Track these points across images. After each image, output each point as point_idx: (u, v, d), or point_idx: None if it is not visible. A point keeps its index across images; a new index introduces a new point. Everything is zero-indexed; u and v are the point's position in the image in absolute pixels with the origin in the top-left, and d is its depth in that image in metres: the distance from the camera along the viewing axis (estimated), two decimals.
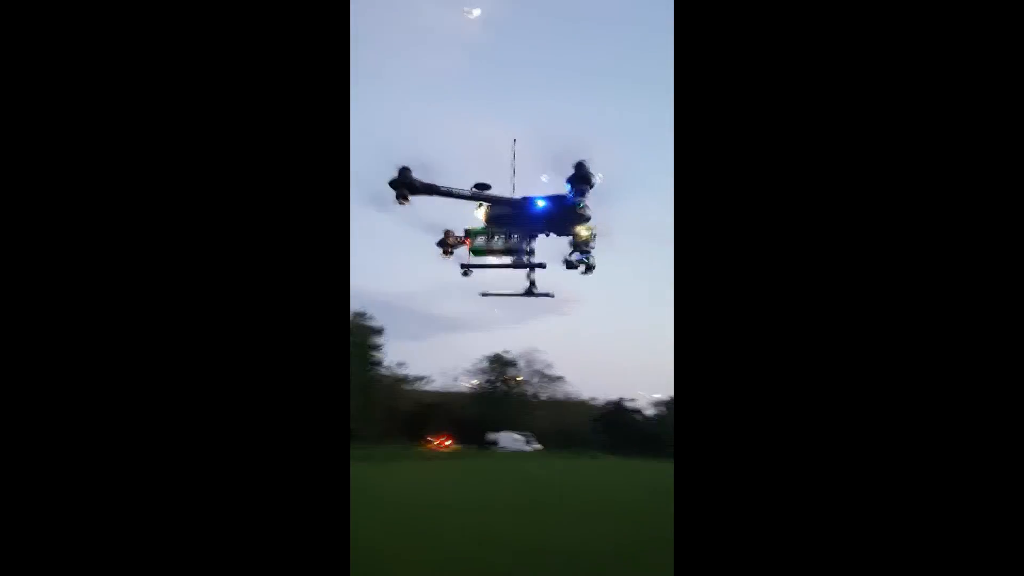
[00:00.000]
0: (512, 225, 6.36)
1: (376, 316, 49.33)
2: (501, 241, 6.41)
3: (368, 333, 46.80)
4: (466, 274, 6.65)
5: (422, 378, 60.29)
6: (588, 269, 6.43)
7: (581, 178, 6.06)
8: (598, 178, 6.08)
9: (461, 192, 5.94)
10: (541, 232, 6.38)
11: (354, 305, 45.48)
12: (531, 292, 6.54)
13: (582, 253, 6.34)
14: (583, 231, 6.29)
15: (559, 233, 6.34)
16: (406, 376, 58.12)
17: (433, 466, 34.24)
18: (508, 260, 6.46)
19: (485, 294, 6.70)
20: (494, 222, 6.39)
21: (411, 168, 5.65)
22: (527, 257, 6.44)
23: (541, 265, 6.45)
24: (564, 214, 6.15)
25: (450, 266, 6.69)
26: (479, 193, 6.08)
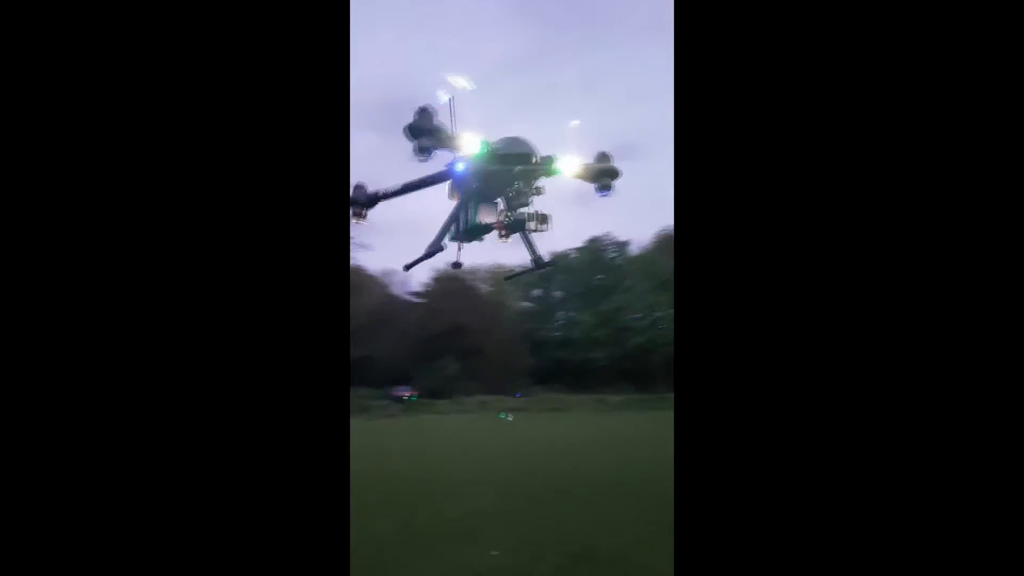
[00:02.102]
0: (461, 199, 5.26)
1: None
2: (463, 218, 5.24)
3: None
4: (456, 265, 5.51)
5: None
6: (520, 229, 5.04)
7: (420, 130, 4.64)
8: (445, 125, 4.70)
9: (392, 190, 5.22)
10: (497, 197, 5.14)
11: None
12: (538, 265, 5.54)
13: (513, 211, 5.02)
14: (578, 169, 5.02)
15: (500, 195, 5.13)
16: None
17: None
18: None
19: (508, 277, 5.83)
20: (460, 199, 5.35)
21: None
22: (449, 237, 5.27)
23: (431, 254, 5.18)
24: (498, 171, 4.87)
25: None
26: (413, 182, 5.18)
